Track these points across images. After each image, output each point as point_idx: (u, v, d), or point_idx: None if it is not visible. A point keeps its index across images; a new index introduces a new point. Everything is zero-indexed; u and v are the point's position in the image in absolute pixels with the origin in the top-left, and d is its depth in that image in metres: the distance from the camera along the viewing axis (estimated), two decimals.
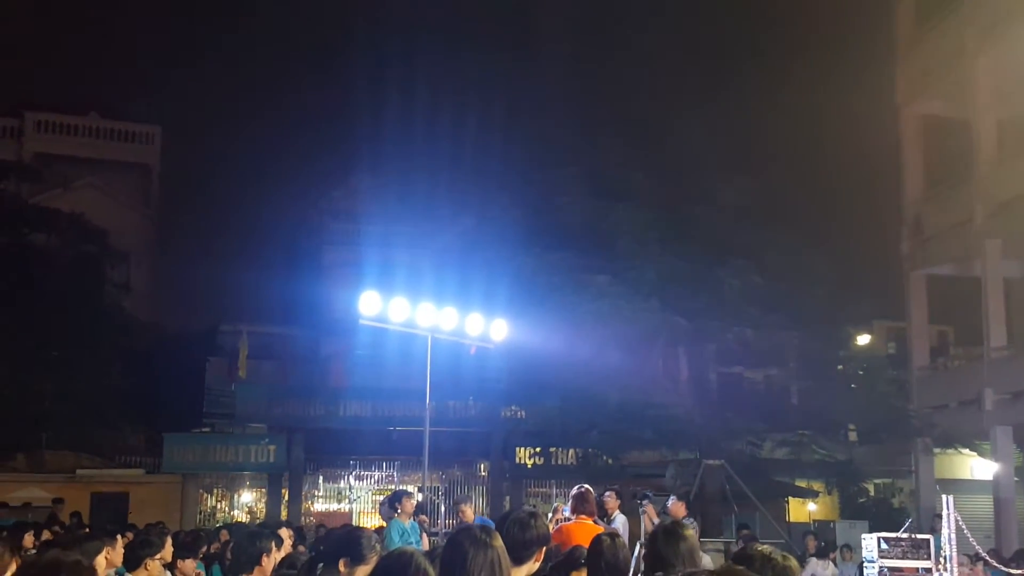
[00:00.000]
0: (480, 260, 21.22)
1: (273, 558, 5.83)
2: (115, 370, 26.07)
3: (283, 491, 26.60)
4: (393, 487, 26.19)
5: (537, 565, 3.77)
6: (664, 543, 4.25)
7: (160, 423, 26.31)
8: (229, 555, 9.81)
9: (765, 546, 3.65)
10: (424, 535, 11.53)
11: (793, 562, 3.57)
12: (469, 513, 12.66)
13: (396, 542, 10.00)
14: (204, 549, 11.91)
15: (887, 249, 23.96)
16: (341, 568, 4.00)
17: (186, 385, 27.78)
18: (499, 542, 3.34)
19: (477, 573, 3.19)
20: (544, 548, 3.78)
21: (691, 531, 4.38)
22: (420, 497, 15.56)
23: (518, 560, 3.65)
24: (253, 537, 6.15)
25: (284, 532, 8.79)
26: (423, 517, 11.49)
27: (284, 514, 24.87)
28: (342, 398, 26.64)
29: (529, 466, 27.75)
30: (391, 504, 11.48)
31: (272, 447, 25.88)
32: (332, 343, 28.29)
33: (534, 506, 27.29)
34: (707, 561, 13.08)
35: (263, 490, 26.99)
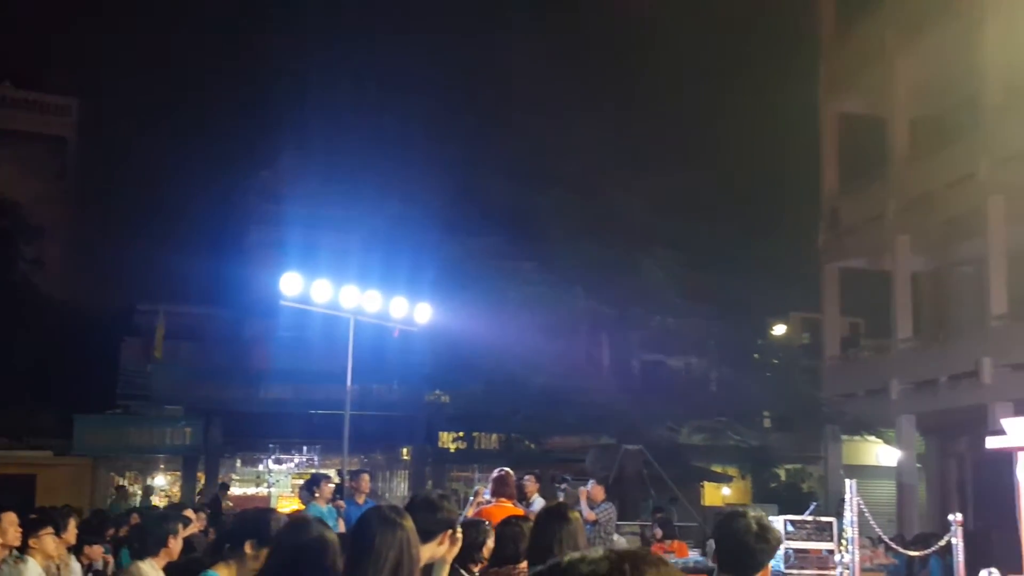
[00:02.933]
0: (406, 244, 21.27)
1: (180, 540, 5.89)
2: (24, 348, 25.38)
3: (199, 474, 26.25)
4: (314, 471, 26.08)
5: (442, 548, 3.74)
6: (546, 524, 4.37)
7: (71, 404, 25.65)
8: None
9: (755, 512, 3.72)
10: (341, 520, 11.53)
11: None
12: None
13: None
14: (111, 532, 11.82)
15: (805, 242, 24.58)
16: (247, 550, 3.98)
17: (100, 365, 27.15)
18: (410, 523, 3.30)
19: (386, 553, 3.16)
20: (449, 532, 3.76)
21: (575, 514, 4.49)
22: (338, 481, 15.53)
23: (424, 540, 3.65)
24: (159, 519, 6.20)
25: (191, 513, 8.78)
26: (340, 502, 11.46)
27: (199, 499, 24.59)
28: (263, 380, 26.33)
29: (452, 450, 27.85)
30: (309, 488, 11.43)
31: (188, 429, 25.42)
32: (254, 325, 27.96)
33: (456, 490, 27.49)
34: (622, 543, 13.40)
35: (178, 473, 26.60)
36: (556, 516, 4.38)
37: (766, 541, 3.51)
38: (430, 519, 3.66)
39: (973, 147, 19.23)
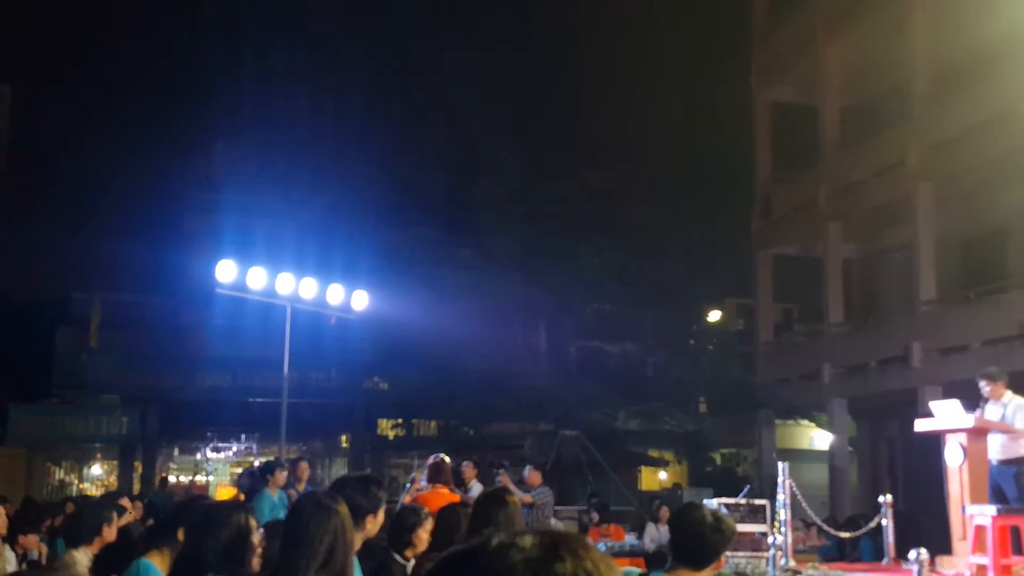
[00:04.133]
0: (343, 232, 21.17)
1: (115, 528, 5.86)
2: None
3: (136, 463, 25.93)
4: (252, 459, 25.90)
5: (366, 533, 3.76)
6: (485, 509, 4.43)
7: (5, 394, 25.20)
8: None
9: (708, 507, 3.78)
10: None
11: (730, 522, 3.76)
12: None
13: (267, 515, 9.94)
14: (48, 523, 11.61)
15: (739, 229, 24.89)
16: (180, 537, 4.01)
17: (34, 354, 26.67)
18: (344, 508, 3.32)
19: (320, 538, 3.17)
20: (374, 515, 3.80)
21: (514, 498, 4.57)
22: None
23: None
24: (94, 507, 6.15)
25: (127, 502, 8.69)
26: (292, 491, 11.30)
27: (136, 488, 24.29)
28: (200, 369, 26.07)
29: (391, 437, 27.83)
30: (261, 475, 11.30)
31: (125, 418, 25.17)
32: (191, 312, 27.60)
33: (395, 477, 27.44)
34: (559, 528, 13.52)
35: (115, 463, 26.24)
36: (495, 500, 4.44)
37: (720, 532, 3.61)
38: (359, 501, 3.68)
39: (902, 135, 19.58)
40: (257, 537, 3.60)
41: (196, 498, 5.29)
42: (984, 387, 9.29)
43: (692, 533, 3.60)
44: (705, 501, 11.42)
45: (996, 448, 9.10)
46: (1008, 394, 9.22)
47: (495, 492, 4.60)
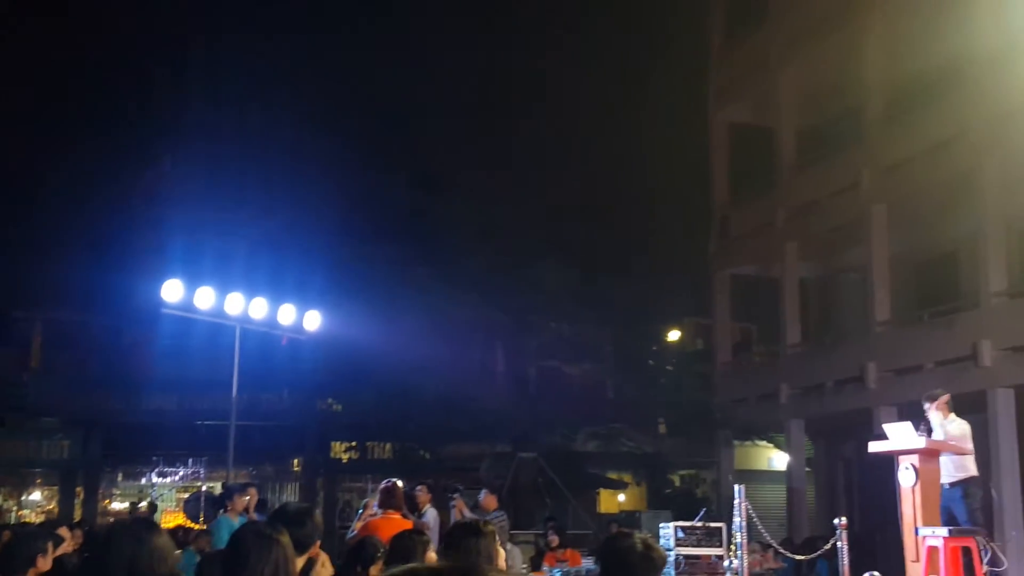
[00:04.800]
0: (295, 250, 20.85)
1: (50, 559, 5.58)
2: None
3: (78, 489, 25.29)
4: (200, 484, 25.32)
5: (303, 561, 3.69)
6: (461, 538, 4.24)
7: None
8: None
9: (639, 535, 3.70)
10: None
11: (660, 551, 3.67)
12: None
13: (225, 541, 9.55)
14: None
15: (698, 250, 24.91)
16: None
17: None
18: (286, 538, 3.25)
19: (261, 569, 3.10)
20: (318, 543, 3.72)
21: (491, 528, 4.38)
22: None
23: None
24: (29, 537, 5.86)
25: (64, 531, 8.35)
26: (252, 516, 10.91)
27: (78, 514, 23.63)
28: (145, 390, 25.52)
29: (344, 460, 27.40)
30: (221, 500, 10.95)
31: (67, 442, 24.68)
32: (136, 332, 27.02)
33: (348, 501, 26.98)
34: (516, 553, 13.27)
35: (55, 488, 25.59)
36: (471, 530, 4.26)
37: (650, 560, 3.49)
38: (299, 532, 3.60)
39: (856, 157, 19.74)
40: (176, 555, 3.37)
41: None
42: (928, 407, 9.51)
43: (621, 562, 3.50)
44: (661, 525, 11.26)
45: (945, 471, 9.24)
46: (951, 416, 9.45)
47: (473, 523, 4.41)
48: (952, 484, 9.23)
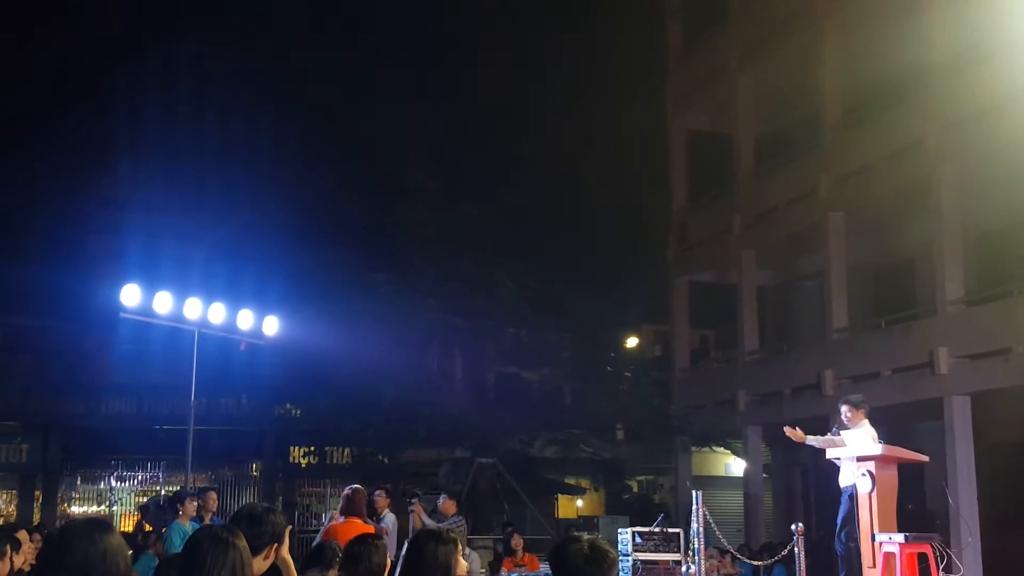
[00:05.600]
0: (254, 255, 20.72)
1: (7, 563, 5.55)
2: None
3: (36, 493, 25.02)
4: (159, 488, 25.11)
5: (267, 563, 3.67)
6: (422, 546, 4.24)
7: None
8: None
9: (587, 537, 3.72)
10: None
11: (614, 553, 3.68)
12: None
13: (178, 546, 9.49)
14: None
15: (656, 256, 25.06)
16: None
17: None
18: (243, 541, 3.23)
19: (218, 573, 3.08)
20: (275, 545, 3.68)
21: (455, 535, 4.39)
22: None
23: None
24: None
25: (23, 535, 8.24)
26: (208, 519, 10.84)
27: (37, 518, 23.35)
28: (103, 395, 25.32)
29: (303, 465, 27.26)
30: (172, 505, 10.91)
31: (25, 446, 24.50)
32: (94, 337, 26.70)
33: (307, 506, 26.81)
34: (475, 558, 13.28)
35: (14, 492, 25.32)
36: (434, 537, 4.25)
37: (597, 563, 3.51)
38: (255, 533, 3.56)
39: (813, 164, 19.92)
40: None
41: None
42: (845, 412, 9.73)
43: (569, 566, 3.50)
44: (619, 530, 11.33)
45: (845, 476, 9.46)
46: (865, 423, 9.64)
47: (436, 530, 4.40)
48: (846, 488, 9.47)
